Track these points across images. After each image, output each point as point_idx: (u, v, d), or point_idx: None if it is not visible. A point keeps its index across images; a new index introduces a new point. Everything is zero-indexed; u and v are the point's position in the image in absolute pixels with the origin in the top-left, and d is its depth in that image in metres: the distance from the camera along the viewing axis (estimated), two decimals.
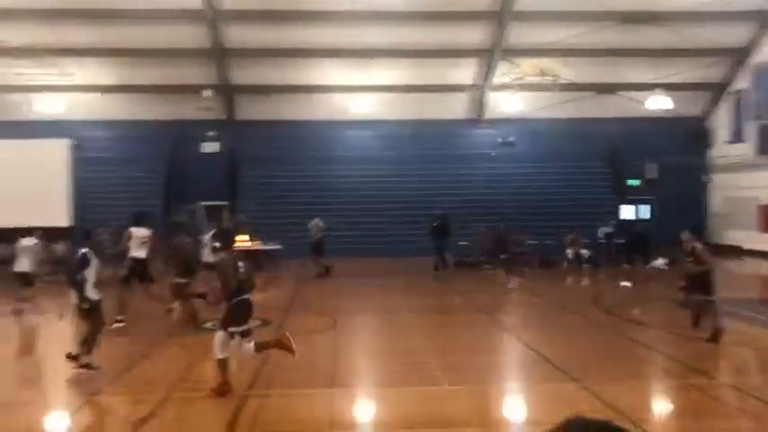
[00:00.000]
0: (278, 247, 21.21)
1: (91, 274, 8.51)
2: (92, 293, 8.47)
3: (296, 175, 25.41)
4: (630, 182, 26.79)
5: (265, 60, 24.19)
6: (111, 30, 22.30)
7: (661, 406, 7.71)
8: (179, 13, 21.95)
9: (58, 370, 9.19)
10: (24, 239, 14.16)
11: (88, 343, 8.37)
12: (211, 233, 12.70)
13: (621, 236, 22.76)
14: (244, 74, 24.80)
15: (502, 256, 20.95)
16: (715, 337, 9.51)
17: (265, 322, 11.66)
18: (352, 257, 22.43)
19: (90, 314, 8.49)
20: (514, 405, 7.63)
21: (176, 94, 24.80)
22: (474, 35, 23.99)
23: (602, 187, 26.24)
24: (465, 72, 25.41)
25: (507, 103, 25.37)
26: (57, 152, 23.02)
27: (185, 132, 25.51)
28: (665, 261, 19.04)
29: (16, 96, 23.33)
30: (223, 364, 7.43)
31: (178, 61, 23.76)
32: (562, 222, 22.62)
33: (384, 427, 6.72)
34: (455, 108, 26.62)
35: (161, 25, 22.31)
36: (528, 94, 24.83)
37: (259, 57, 24.08)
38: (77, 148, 24.03)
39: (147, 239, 12.14)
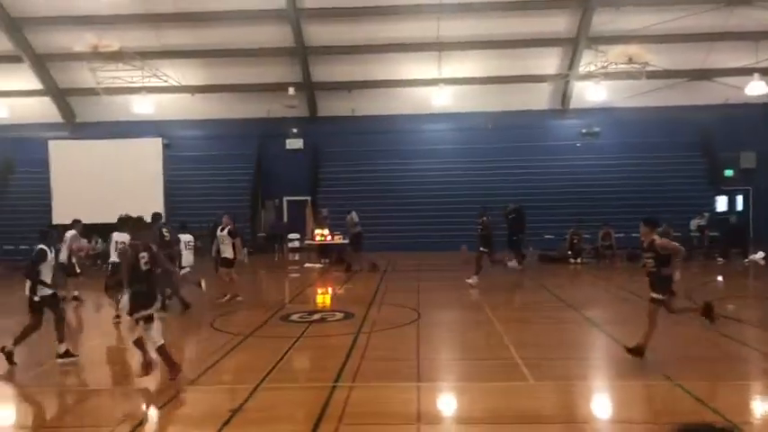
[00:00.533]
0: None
1: (46, 269, 8.89)
2: (42, 288, 8.84)
3: (376, 169, 25.66)
4: (727, 172, 25.56)
5: (346, 57, 24.50)
6: (202, 32, 23.20)
7: (764, 408, 7.34)
8: (264, 14, 22.54)
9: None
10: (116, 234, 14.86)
11: (59, 332, 8.92)
12: (221, 228, 13.80)
13: (716, 228, 21.74)
14: (325, 71, 25.19)
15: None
16: None
17: (348, 315, 11.86)
18: (433, 251, 22.46)
19: (36, 309, 8.90)
20: (603, 403, 7.44)
21: (262, 92, 25.50)
22: (558, 24, 23.47)
23: (695, 178, 25.17)
24: (548, 62, 24.90)
25: (592, 93, 24.70)
26: (151, 150, 24.09)
27: (270, 130, 26.22)
28: (765, 255, 18.06)
29: (117, 98, 24.60)
30: (139, 343, 8.05)
31: (263, 60, 24.41)
32: (651, 215, 21.78)
33: (470, 422, 6.69)
34: (537, 99, 26.13)
35: (247, 26, 23.00)
36: (614, 83, 24.09)
37: (340, 53, 24.42)
38: (168, 147, 25.05)
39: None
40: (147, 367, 7.92)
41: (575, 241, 20.80)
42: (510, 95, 25.54)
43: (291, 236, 25.10)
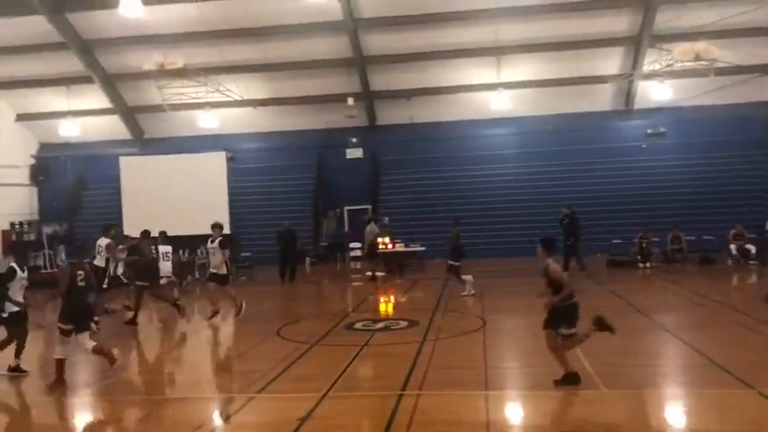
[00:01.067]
0: (420, 248, 21.40)
1: (15, 286, 9.13)
2: (10, 305, 9.08)
3: (436, 176, 25.62)
4: None
5: (404, 65, 24.58)
6: (262, 47, 23.70)
7: None
8: (322, 26, 22.84)
9: (222, 367, 9.88)
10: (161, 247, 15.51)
11: (18, 348, 9.13)
12: (212, 239, 13.20)
13: None
14: (384, 79, 25.33)
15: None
16: None
17: (412, 323, 11.84)
18: (495, 257, 22.21)
19: (7, 323, 9.20)
20: (678, 412, 7.17)
21: (321, 103, 25.82)
22: (619, 23, 22.96)
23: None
24: (609, 62, 24.37)
25: (657, 92, 24.02)
26: (216, 164, 24.69)
27: (330, 140, 26.52)
28: None
29: (183, 114, 25.37)
30: (59, 363, 8.33)
31: (322, 72, 24.73)
32: (722, 216, 21.06)
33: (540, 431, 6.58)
34: (599, 100, 25.60)
35: (306, 39, 23.35)
36: (679, 81, 23.36)
37: (398, 62, 24.51)
38: (232, 160, 25.64)
39: (102, 249, 13.50)
40: (54, 385, 8.30)
41: (643, 245, 20.21)
42: (571, 97, 25.09)
43: (353, 245, 25.27)
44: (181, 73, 22.29)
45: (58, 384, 8.31)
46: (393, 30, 23.31)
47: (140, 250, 14.02)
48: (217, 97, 24.30)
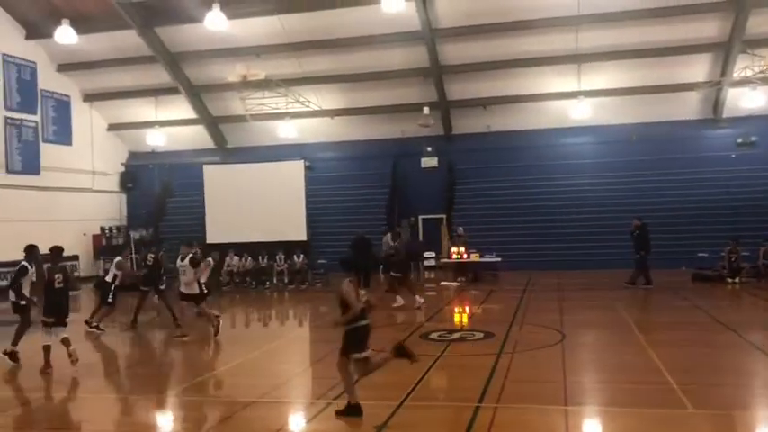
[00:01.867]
0: (496, 259, 21.17)
1: (26, 282, 10.47)
2: (19, 298, 10.46)
3: (512, 185, 25.30)
4: None
5: (481, 74, 24.42)
6: (340, 58, 24.06)
7: None
8: (399, 37, 22.98)
9: (299, 372, 10.05)
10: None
11: (16, 335, 10.45)
12: (181, 257, 12.89)
13: None
14: (460, 88, 25.24)
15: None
16: None
17: (488, 335, 11.71)
18: (574, 269, 21.75)
19: (20, 312, 10.54)
20: None
21: (397, 113, 25.96)
22: (707, 29, 22.08)
23: None
24: (696, 69, 23.45)
25: (748, 100, 22.97)
26: (294, 172, 25.15)
27: (406, 149, 26.63)
28: None
29: (264, 124, 26.07)
30: (46, 349, 9.89)
31: (398, 82, 24.87)
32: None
33: None
34: (686, 108, 24.66)
35: (383, 50, 23.57)
36: None
37: (475, 71, 24.36)
38: (309, 169, 26.10)
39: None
40: (44, 368, 9.76)
41: (732, 259, 19.31)
42: (655, 106, 24.27)
43: (427, 254, 25.25)
44: (262, 84, 22.91)
45: (47, 367, 9.80)
46: (470, 39, 23.20)
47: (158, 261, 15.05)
48: (296, 107, 24.83)
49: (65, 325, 10.16)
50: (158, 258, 15.15)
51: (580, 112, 24.23)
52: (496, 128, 26.08)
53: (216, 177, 26.01)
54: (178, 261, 12.77)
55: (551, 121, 25.48)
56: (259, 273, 22.15)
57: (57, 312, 10.03)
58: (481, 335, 11.81)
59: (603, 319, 13.91)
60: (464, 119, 26.47)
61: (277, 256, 22.17)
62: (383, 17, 21.19)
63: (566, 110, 24.73)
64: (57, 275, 10.13)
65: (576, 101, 24.19)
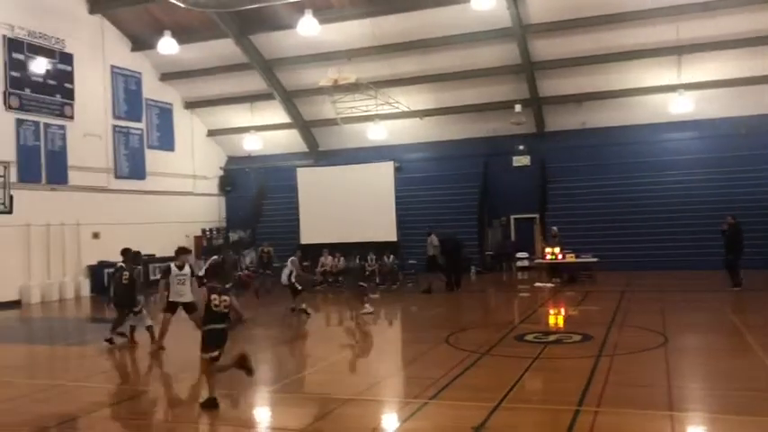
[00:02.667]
0: (593, 259, 20.54)
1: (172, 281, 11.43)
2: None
3: (608, 183, 24.53)
4: None
5: (575, 69, 23.80)
6: (429, 58, 24.07)
7: None
8: (489, 35, 22.74)
9: (394, 371, 10.10)
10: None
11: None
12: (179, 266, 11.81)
13: None
14: (553, 85, 24.70)
15: None
16: None
17: (586, 337, 11.38)
18: (676, 270, 20.82)
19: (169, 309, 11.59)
20: None
21: (488, 111, 25.68)
22: None
23: None
24: None
25: None
26: (384, 174, 25.41)
27: (496, 148, 26.32)
28: None
29: (354, 127, 26.44)
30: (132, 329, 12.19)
31: (488, 80, 24.60)
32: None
33: None
34: None
35: (472, 48, 23.39)
36: None
37: (568, 66, 23.76)
38: (399, 170, 26.24)
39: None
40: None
41: None
42: (764, 97, 22.86)
43: (519, 254, 24.83)
44: (353, 87, 23.24)
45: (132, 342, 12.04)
46: (563, 33, 22.65)
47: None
48: (386, 109, 25.02)
49: (132, 311, 12.10)
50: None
51: (681, 106, 23.15)
52: (592, 124, 25.35)
53: (309, 179, 26.64)
54: (174, 270, 11.41)
55: (650, 116, 24.49)
56: (348, 273, 22.43)
57: (126, 303, 12.11)
58: (579, 337, 11.49)
59: (709, 321, 13.25)
60: (557, 115, 25.87)
61: (368, 257, 22.39)
62: (473, 15, 21.02)
63: (665, 104, 23.69)
64: (125, 273, 12.09)
65: (676, 94, 23.12)
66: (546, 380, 9.14)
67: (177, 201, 27.07)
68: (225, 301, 7.85)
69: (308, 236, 25.54)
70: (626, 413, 7.10)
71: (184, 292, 11.36)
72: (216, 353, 7.76)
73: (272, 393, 8.89)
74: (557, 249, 20.63)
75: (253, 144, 28.27)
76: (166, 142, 27.29)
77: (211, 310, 7.78)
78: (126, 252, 12.44)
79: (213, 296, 7.80)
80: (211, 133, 29.93)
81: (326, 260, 22.59)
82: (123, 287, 12.11)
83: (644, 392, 7.88)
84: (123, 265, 12.25)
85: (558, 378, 9.04)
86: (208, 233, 27.68)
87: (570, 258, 20.55)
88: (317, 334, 14.24)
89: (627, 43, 22.37)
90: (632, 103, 24.53)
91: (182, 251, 11.83)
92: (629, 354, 10.04)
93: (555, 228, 21.67)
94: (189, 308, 11.37)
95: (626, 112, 24.71)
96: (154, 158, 26.27)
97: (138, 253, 13.07)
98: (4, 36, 20.42)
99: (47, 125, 21.72)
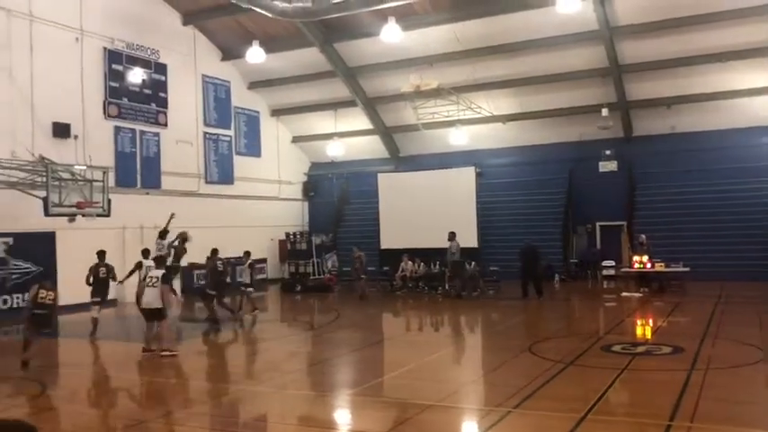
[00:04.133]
0: (683, 269, 19.70)
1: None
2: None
3: (700, 189, 23.51)
4: None
5: (664, 71, 22.96)
6: (512, 62, 23.78)
7: None
8: (575, 38, 22.25)
9: (477, 379, 10.02)
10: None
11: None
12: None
13: None
14: (641, 88, 23.92)
15: None
16: None
17: (677, 349, 10.96)
18: (763, 281, 19.71)
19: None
20: None
21: (573, 115, 25.11)
22: None
23: None
24: None
25: None
26: (465, 179, 25.25)
27: (582, 153, 25.69)
28: None
29: (435, 132, 26.44)
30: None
31: (574, 84, 24.05)
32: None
33: None
34: None
35: (557, 51, 22.94)
36: None
37: (657, 68, 22.96)
38: (480, 175, 26.01)
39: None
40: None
41: None
42: None
43: (605, 262, 24.12)
44: (434, 93, 23.23)
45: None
46: (652, 35, 21.89)
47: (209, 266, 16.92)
48: (467, 114, 24.87)
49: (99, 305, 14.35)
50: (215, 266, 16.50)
51: None
52: (682, 128, 24.37)
53: (389, 185, 26.79)
54: (145, 269, 13.10)
55: (744, 120, 23.32)
56: (431, 278, 22.43)
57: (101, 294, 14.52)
58: (669, 349, 11.06)
59: None
60: (646, 120, 25.02)
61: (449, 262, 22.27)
62: (557, 18, 20.63)
63: (760, 107, 22.50)
64: (101, 268, 14.38)
65: None
66: (634, 392, 8.86)
67: (263, 205, 27.80)
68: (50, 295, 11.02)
69: (387, 241, 25.70)
70: (723, 430, 6.79)
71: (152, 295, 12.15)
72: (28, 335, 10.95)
73: (354, 396, 9.00)
74: (645, 258, 19.92)
75: (335, 150, 28.71)
76: (253, 148, 28.10)
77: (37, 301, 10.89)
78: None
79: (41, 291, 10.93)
80: (296, 139, 30.60)
81: (407, 265, 22.66)
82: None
83: (742, 409, 7.53)
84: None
85: (647, 391, 8.74)
86: (292, 237, 28.29)
87: (659, 267, 19.80)
88: (400, 339, 14.30)
89: (718, 44, 21.40)
90: (724, 106, 23.42)
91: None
92: (724, 368, 9.59)
93: (643, 236, 20.91)
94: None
95: (718, 116, 23.63)
96: (241, 164, 27.10)
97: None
98: (104, 48, 21.58)
99: (142, 132, 22.80)
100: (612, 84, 23.75)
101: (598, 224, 25.89)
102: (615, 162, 25.74)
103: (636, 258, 20.18)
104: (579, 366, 10.06)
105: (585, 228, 25.98)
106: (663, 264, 19.81)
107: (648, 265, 19.79)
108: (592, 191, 25.60)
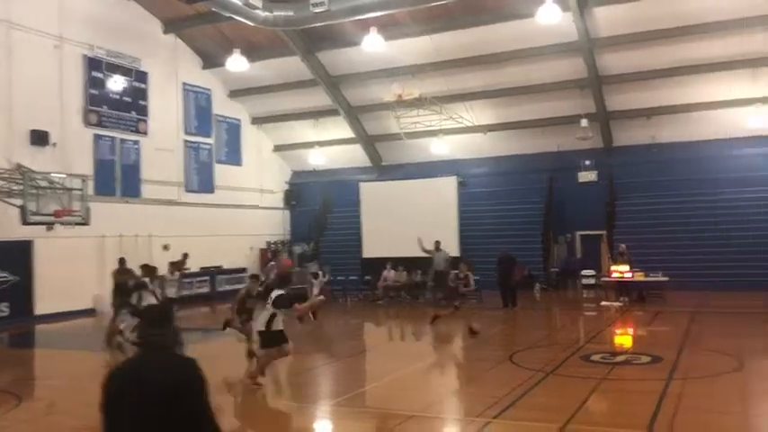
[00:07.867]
0: (663, 278, 19.87)
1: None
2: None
3: (679, 200, 23.72)
4: None
5: (644, 83, 23.24)
6: (493, 73, 23.96)
7: None
8: (555, 49, 22.47)
9: (456, 389, 10.01)
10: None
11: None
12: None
13: None
14: (621, 99, 24.18)
15: None
16: None
17: (656, 359, 11.03)
18: (751, 291, 19.91)
19: None
20: None
21: (553, 126, 25.31)
22: None
23: None
24: None
25: None
26: (447, 188, 25.32)
27: (562, 163, 25.88)
28: None
29: (417, 141, 26.51)
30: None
31: (555, 94, 24.26)
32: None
33: None
34: None
35: (538, 63, 23.15)
36: None
37: (637, 80, 23.24)
38: (462, 185, 26.09)
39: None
40: None
41: None
42: None
43: (585, 272, 24.26)
44: (417, 103, 23.31)
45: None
46: (632, 47, 22.16)
47: None
48: (449, 124, 24.98)
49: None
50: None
51: (758, 121, 22.26)
52: (662, 139, 24.67)
53: (372, 194, 26.78)
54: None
55: (724, 131, 23.63)
56: (413, 287, 22.42)
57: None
58: (648, 359, 11.14)
59: None
60: (626, 130, 25.28)
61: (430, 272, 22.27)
62: (537, 29, 20.82)
63: (739, 118, 22.85)
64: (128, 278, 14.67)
65: (753, 108, 22.28)
66: (614, 402, 8.90)
67: (244, 214, 27.66)
68: None
69: (370, 249, 25.67)
70: None
71: None
72: None
73: (335, 407, 8.95)
74: (624, 267, 20.05)
75: (317, 159, 28.66)
76: (234, 157, 27.98)
77: None
78: None
79: None
80: (277, 148, 30.51)
81: (389, 274, 22.64)
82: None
83: (719, 419, 7.59)
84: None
85: (626, 400, 8.80)
86: (272, 246, 28.15)
87: (639, 277, 19.95)
88: (380, 350, 14.27)
89: (697, 56, 21.71)
90: (704, 117, 23.74)
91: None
92: (702, 378, 9.67)
93: (623, 245, 21.07)
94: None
95: (698, 127, 23.94)
96: (222, 173, 26.96)
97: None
98: (84, 55, 21.40)
99: (122, 140, 22.62)
100: (592, 95, 23.99)
101: (578, 233, 26.07)
102: (595, 172, 25.97)
103: (615, 268, 20.29)
104: (559, 376, 10.09)
105: (565, 237, 26.14)
106: (642, 273, 19.95)
107: (628, 275, 19.93)
108: (572, 201, 25.79)
